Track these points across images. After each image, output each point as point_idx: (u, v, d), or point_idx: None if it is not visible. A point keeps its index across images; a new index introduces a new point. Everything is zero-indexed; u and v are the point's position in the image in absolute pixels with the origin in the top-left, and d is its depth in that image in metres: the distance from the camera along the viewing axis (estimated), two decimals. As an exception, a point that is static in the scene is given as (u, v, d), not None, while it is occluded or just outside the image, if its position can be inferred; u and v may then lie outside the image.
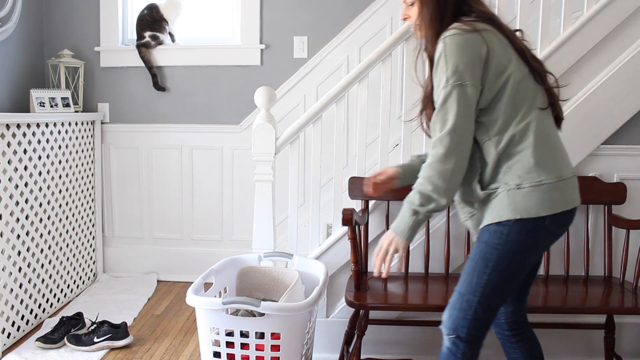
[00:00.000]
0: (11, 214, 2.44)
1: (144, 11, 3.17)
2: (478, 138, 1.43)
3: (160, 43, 3.21)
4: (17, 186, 2.48)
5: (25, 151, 2.54)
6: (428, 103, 1.53)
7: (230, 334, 1.68)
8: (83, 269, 3.13)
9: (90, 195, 3.20)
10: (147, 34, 3.16)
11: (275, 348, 1.66)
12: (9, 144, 2.42)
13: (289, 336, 1.66)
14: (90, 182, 3.20)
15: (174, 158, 3.32)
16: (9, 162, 2.41)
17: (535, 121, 1.40)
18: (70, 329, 2.45)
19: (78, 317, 2.53)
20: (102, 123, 3.29)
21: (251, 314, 1.76)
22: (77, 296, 3.01)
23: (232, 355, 1.69)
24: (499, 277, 1.42)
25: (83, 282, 3.13)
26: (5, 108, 2.80)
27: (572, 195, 1.45)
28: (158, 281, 3.27)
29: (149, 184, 3.35)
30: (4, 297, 2.38)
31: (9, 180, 2.41)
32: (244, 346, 1.67)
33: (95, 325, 2.41)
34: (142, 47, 3.17)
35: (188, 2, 3.27)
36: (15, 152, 2.46)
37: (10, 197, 2.43)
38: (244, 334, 1.67)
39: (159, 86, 3.24)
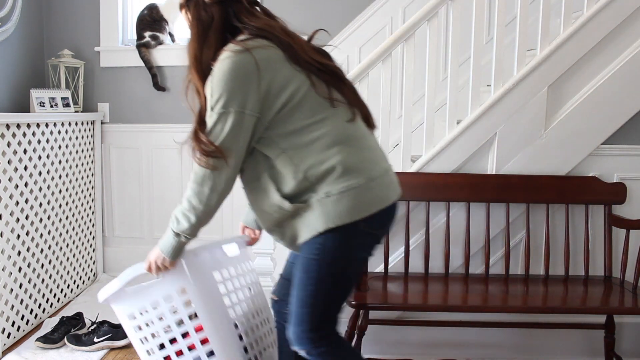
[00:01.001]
0: (11, 214, 2.44)
1: (144, 11, 3.17)
2: (269, 153, 1.38)
3: (160, 43, 3.21)
4: (17, 186, 2.48)
5: (25, 151, 2.54)
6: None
7: (146, 313, 1.60)
8: (83, 269, 3.13)
9: (90, 195, 3.20)
10: (147, 34, 3.16)
11: (190, 304, 1.55)
12: (9, 144, 2.42)
13: (195, 288, 1.53)
14: (90, 182, 3.20)
15: (174, 158, 3.32)
16: (9, 162, 2.41)
17: (335, 127, 1.37)
18: (70, 329, 2.45)
19: (78, 317, 2.53)
20: (102, 123, 3.29)
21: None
22: (77, 296, 3.01)
23: (156, 333, 1.59)
24: (324, 288, 1.40)
25: (83, 282, 3.13)
26: (5, 108, 2.80)
27: (386, 193, 1.41)
28: (158, 281, 3.27)
29: (149, 184, 3.35)
30: (4, 297, 2.38)
31: (9, 180, 2.41)
32: (162, 318, 1.57)
33: (95, 325, 2.41)
34: (142, 47, 3.17)
35: (188, 2, 3.27)
36: (15, 152, 2.46)
37: (10, 197, 2.43)
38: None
39: (159, 86, 3.24)
